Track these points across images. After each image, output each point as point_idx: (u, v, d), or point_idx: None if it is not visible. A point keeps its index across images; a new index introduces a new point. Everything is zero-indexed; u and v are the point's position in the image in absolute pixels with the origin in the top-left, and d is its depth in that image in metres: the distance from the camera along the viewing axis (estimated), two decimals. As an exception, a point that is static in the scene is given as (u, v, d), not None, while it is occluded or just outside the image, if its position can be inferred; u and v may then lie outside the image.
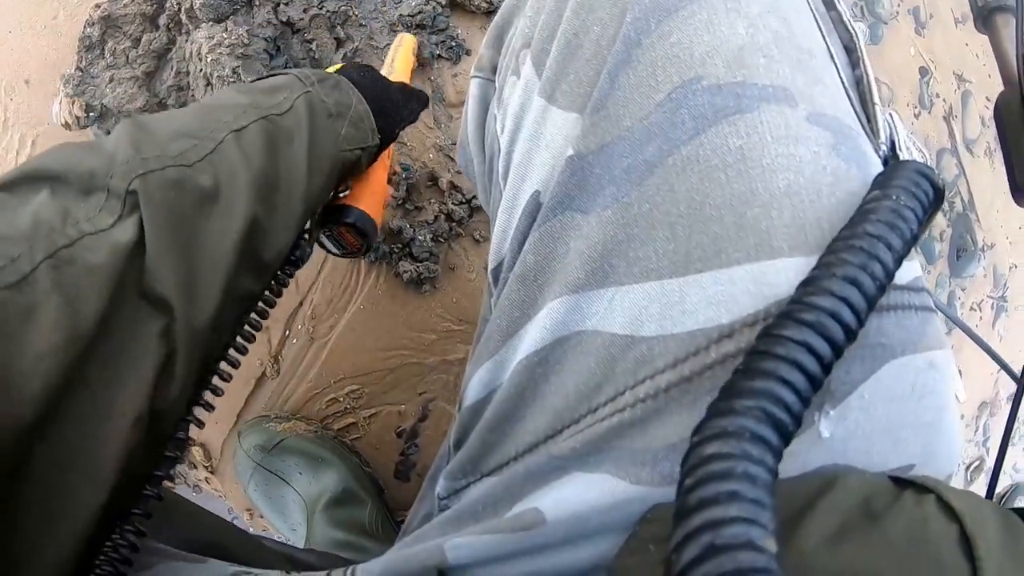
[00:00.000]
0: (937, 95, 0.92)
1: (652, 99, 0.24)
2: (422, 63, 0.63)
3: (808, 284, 0.18)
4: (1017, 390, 0.37)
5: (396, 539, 0.36)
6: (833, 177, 0.21)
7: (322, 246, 0.47)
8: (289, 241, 0.37)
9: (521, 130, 0.30)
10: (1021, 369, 0.38)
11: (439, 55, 0.64)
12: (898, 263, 0.19)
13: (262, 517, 0.71)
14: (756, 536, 0.14)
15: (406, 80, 0.55)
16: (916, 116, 0.89)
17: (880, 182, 0.21)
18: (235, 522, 0.75)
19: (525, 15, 0.32)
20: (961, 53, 0.95)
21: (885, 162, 0.24)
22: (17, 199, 0.27)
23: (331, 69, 0.46)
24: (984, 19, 0.49)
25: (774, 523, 0.14)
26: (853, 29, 0.27)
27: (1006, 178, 0.43)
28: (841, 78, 0.25)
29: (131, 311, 0.28)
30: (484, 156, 0.36)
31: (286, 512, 0.67)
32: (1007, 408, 1.00)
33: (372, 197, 0.46)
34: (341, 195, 0.45)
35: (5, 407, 0.23)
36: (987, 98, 0.98)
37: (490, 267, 0.32)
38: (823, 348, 0.17)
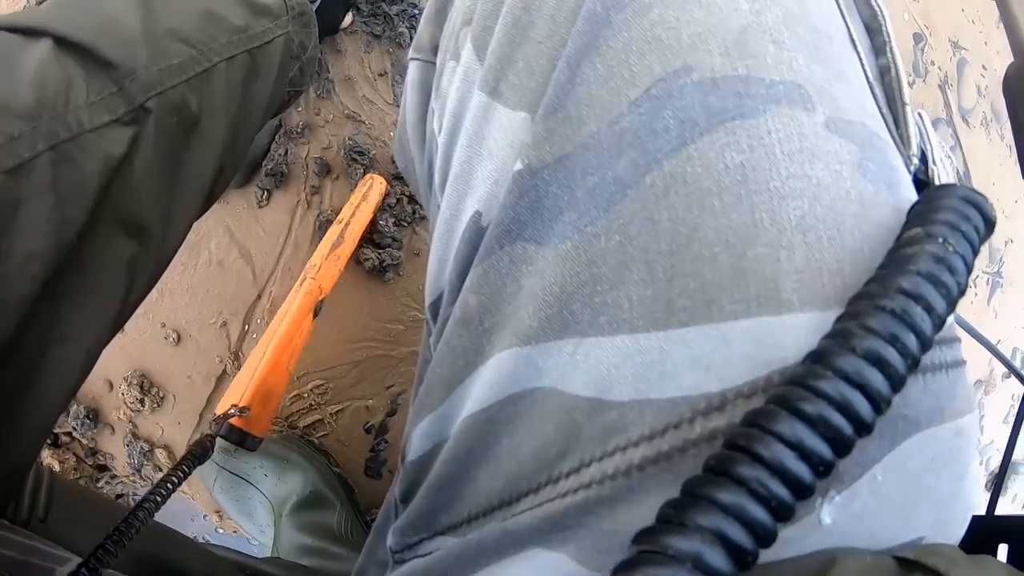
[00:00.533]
0: (932, 63, 0.88)
1: (625, 96, 0.19)
2: (376, 35, 0.59)
3: (817, 359, 0.14)
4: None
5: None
6: (859, 205, 0.17)
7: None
8: (234, 174, 0.39)
9: (460, 131, 0.25)
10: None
11: (399, 26, 0.60)
12: (939, 329, 0.15)
13: (231, 519, 0.69)
14: None
15: (361, 228, 0.56)
16: (910, 84, 0.85)
17: (919, 214, 0.16)
18: (204, 521, 0.73)
19: None
20: (956, 19, 0.91)
21: (915, 179, 0.20)
22: (21, 42, 0.26)
23: None
24: (993, -15, 0.45)
25: None
26: (878, 5, 0.22)
27: (1016, 154, 0.39)
28: (864, 69, 0.20)
29: (106, 233, 0.28)
30: (424, 156, 0.31)
31: (253, 514, 0.65)
32: (1003, 386, 0.98)
33: (266, 421, 0.49)
34: (239, 415, 0.46)
35: None
36: (983, 66, 0.94)
37: (427, 301, 0.27)
38: (821, 452, 0.13)
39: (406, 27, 0.60)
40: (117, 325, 0.31)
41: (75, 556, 0.32)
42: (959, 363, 0.18)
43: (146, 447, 0.70)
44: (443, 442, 0.24)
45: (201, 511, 0.72)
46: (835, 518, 0.16)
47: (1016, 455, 1.03)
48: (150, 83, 0.29)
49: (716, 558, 0.13)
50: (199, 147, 0.32)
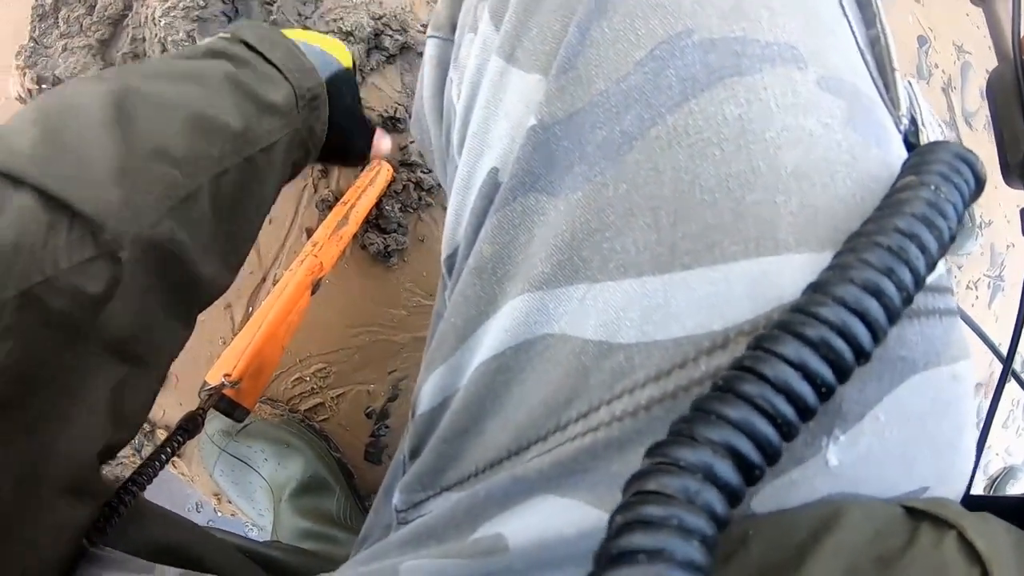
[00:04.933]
0: (936, 65, 0.89)
1: (631, 57, 0.20)
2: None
3: (816, 289, 0.15)
4: (1003, 372, 0.35)
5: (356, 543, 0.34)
6: (849, 156, 0.18)
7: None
8: (232, 280, 0.37)
9: (478, 96, 0.26)
10: (1007, 350, 0.35)
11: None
12: (931, 269, 0.15)
13: (230, 502, 0.69)
14: None
15: (366, 211, 0.56)
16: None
17: (913, 165, 0.17)
18: (203, 507, 0.73)
19: None
20: (961, 22, 0.91)
21: (906, 139, 0.21)
22: (3, 183, 0.26)
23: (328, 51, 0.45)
24: (979, -10, 0.46)
25: None
26: None
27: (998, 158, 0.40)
28: (855, 37, 0.21)
29: (94, 360, 0.29)
30: (441, 127, 0.32)
31: (253, 498, 0.65)
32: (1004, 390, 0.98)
33: (256, 393, 0.48)
34: (230, 386, 0.45)
35: None
36: (987, 70, 0.94)
37: (443, 255, 0.28)
38: (824, 373, 0.14)
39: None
40: (114, 437, 0.31)
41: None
42: (952, 312, 0.18)
43: (148, 428, 0.70)
44: (454, 394, 0.25)
45: (201, 495, 0.72)
46: (841, 459, 0.17)
47: (1015, 460, 1.02)
48: (119, 231, 0.28)
49: (726, 470, 0.13)
50: (186, 271, 0.31)
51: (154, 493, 0.38)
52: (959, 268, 0.90)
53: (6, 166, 0.26)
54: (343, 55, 0.46)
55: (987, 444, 0.98)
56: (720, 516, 0.13)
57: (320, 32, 0.49)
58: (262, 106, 0.36)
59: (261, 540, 0.57)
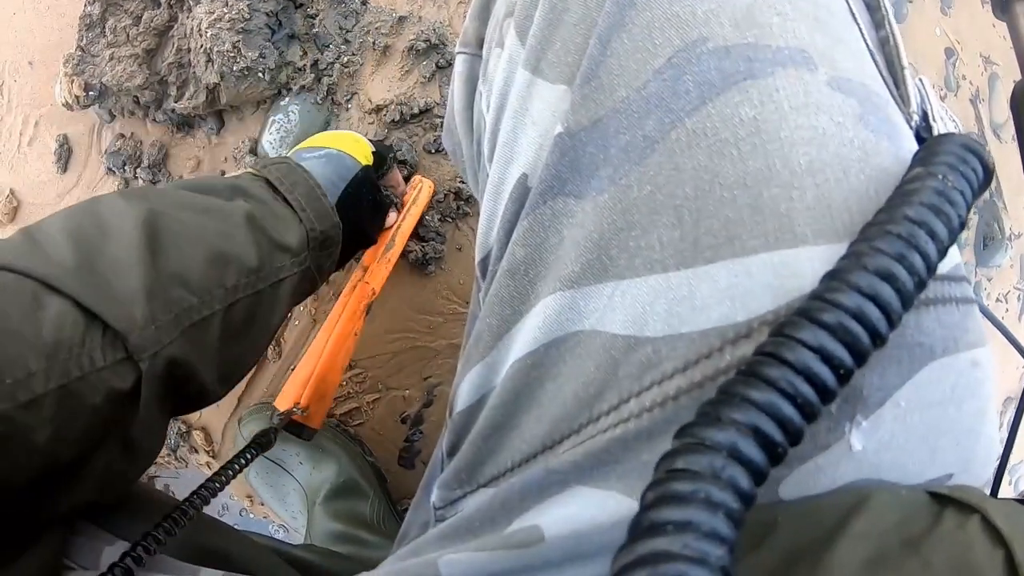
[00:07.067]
0: (963, 77, 0.89)
1: (650, 65, 0.22)
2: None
3: (832, 277, 0.16)
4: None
5: (396, 539, 0.35)
6: (861, 151, 0.19)
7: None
8: (217, 399, 0.40)
9: (506, 107, 0.27)
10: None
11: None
12: (942, 254, 0.16)
13: (263, 504, 0.70)
14: None
15: (409, 231, 0.58)
16: (942, 99, 0.86)
17: (921, 158, 0.18)
18: (228, 509, 0.74)
19: None
20: (988, 34, 0.91)
21: (917, 134, 0.22)
22: (42, 289, 0.28)
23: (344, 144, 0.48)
24: (1003, 5, 0.47)
25: (728, 559, 0.13)
26: None
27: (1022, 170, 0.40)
28: (864, 39, 0.22)
29: (108, 451, 0.30)
30: (472, 138, 0.34)
31: (287, 501, 0.66)
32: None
33: (321, 414, 0.53)
34: (301, 413, 0.50)
35: None
36: (1015, 81, 0.94)
37: (477, 258, 0.29)
38: (841, 356, 0.15)
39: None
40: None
41: (118, 539, 0.33)
42: (969, 300, 0.19)
43: (184, 428, 0.71)
44: (490, 391, 0.26)
45: (226, 496, 0.73)
46: (864, 445, 0.17)
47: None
48: (143, 345, 0.30)
49: (750, 448, 0.14)
50: (191, 387, 0.34)
51: (180, 494, 0.39)
52: (988, 281, 0.90)
53: (46, 276, 0.29)
54: (362, 152, 0.50)
55: (1020, 459, 0.97)
56: (745, 491, 0.14)
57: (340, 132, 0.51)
58: (275, 245, 0.39)
59: (294, 543, 0.58)
